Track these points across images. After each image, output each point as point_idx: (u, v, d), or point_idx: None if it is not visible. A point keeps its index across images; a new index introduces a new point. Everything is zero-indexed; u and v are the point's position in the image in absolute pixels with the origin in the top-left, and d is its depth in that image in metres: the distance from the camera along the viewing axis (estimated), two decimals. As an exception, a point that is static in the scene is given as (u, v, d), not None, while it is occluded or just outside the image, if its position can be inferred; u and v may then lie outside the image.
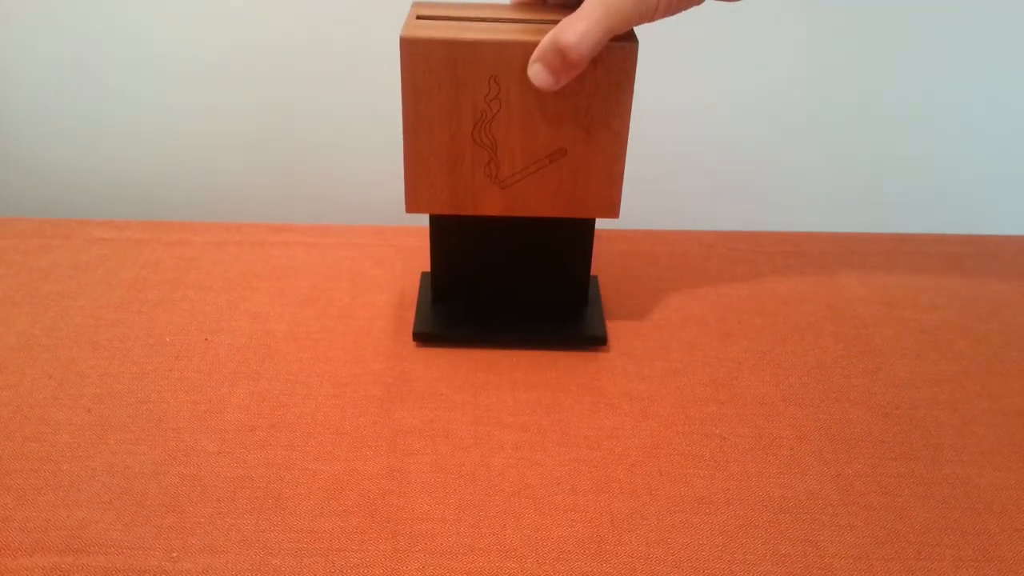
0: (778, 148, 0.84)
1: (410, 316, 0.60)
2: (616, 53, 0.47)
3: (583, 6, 0.45)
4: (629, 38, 0.48)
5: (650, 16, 0.45)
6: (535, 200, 0.52)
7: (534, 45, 0.46)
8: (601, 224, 0.57)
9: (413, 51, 0.47)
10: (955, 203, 0.88)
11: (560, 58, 0.45)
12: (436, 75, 0.48)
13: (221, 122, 0.80)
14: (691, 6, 0.45)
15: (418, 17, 0.49)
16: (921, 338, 0.61)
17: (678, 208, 0.85)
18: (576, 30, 0.44)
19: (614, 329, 0.60)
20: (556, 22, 0.46)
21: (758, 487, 0.48)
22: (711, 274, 0.67)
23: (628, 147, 0.51)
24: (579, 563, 0.44)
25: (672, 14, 0.45)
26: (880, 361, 0.58)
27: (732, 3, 0.46)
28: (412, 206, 0.53)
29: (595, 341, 0.58)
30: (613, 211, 0.53)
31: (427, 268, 0.62)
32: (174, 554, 0.43)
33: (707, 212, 0.87)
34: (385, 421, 0.52)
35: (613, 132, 0.50)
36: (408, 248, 0.69)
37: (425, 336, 0.58)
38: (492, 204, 0.52)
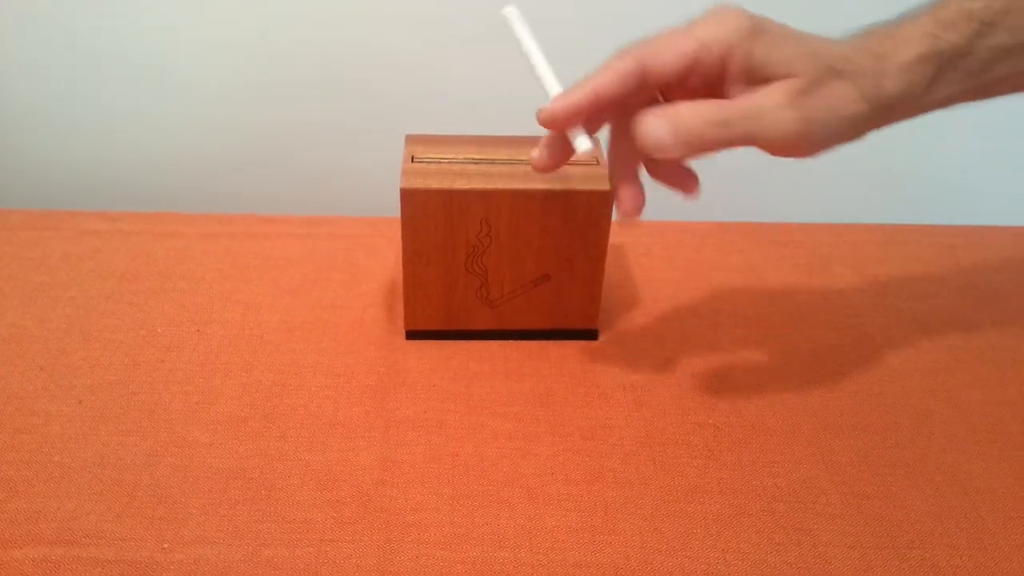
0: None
1: (402, 307, 0.60)
2: (594, 200, 0.51)
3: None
4: (604, 185, 0.51)
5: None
6: (522, 316, 0.57)
7: (521, 192, 0.51)
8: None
9: (412, 200, 0.51)
10: (949, 194, 0.88)
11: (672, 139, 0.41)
12: (433, 219, 0.52)
13: (215, 114, 0.80)
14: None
15: (413, 159, 0.53)
16: (914, 328, 0.61)
17: (671, 199, 0.85)
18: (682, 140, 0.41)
19: (607, 319, 0.60)
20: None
21: (752, 476, 0.48)
22: (704, 265, 0.67)
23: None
24: (572, 553, 0.44)
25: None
26: (873, 351, 0.58)
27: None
28: (410, 323, 0.57)
29: (588, 331, 0.58)
30: (592, 323, 0.58)
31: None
32: (166, 545, 0.43)
33: (700, 203, 0.87)
34: (378, 411, 0.52)
35: (592, 261, 0.54)
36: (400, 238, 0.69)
37: (417, 333, 0.58)
38: (483, 320, 0.57)
